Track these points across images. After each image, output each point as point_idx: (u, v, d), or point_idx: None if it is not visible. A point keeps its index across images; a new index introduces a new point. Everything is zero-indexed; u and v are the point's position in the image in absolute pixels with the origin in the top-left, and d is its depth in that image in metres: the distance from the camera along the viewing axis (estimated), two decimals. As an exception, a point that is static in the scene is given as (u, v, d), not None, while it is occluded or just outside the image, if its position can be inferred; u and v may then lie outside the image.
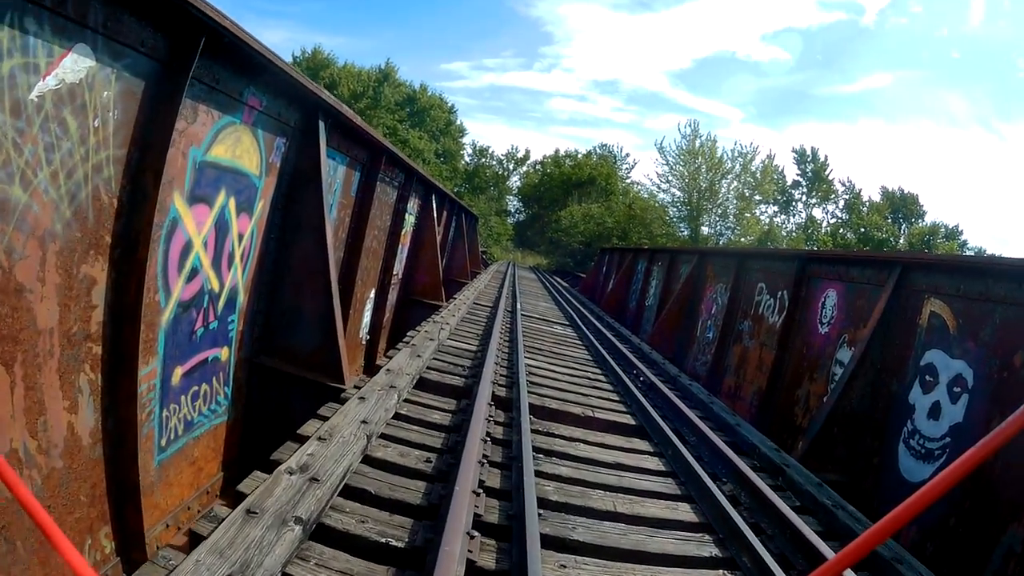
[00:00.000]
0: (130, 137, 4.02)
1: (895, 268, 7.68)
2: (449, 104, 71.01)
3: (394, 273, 12.27)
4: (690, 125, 53.41)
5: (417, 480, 4.20)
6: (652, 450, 6.16)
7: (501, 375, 7.62)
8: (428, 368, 7.21)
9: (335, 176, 7.90)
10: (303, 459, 3.69)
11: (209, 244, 5.19)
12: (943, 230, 53.87)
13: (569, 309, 17.38)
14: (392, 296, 12.73)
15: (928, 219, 55.44)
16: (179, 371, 5.10)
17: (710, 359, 12.43)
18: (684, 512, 4.73)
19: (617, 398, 7.98)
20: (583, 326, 13.82)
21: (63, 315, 3.78)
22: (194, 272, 5.04)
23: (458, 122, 71.59)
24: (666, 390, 8.23)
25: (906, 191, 56.02)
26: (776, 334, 10.16)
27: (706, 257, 14.71)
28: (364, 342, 11.17)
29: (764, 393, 10.00)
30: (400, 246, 12.28)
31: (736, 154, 50.69)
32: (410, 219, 12.88)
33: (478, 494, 3.97)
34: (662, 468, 5.66)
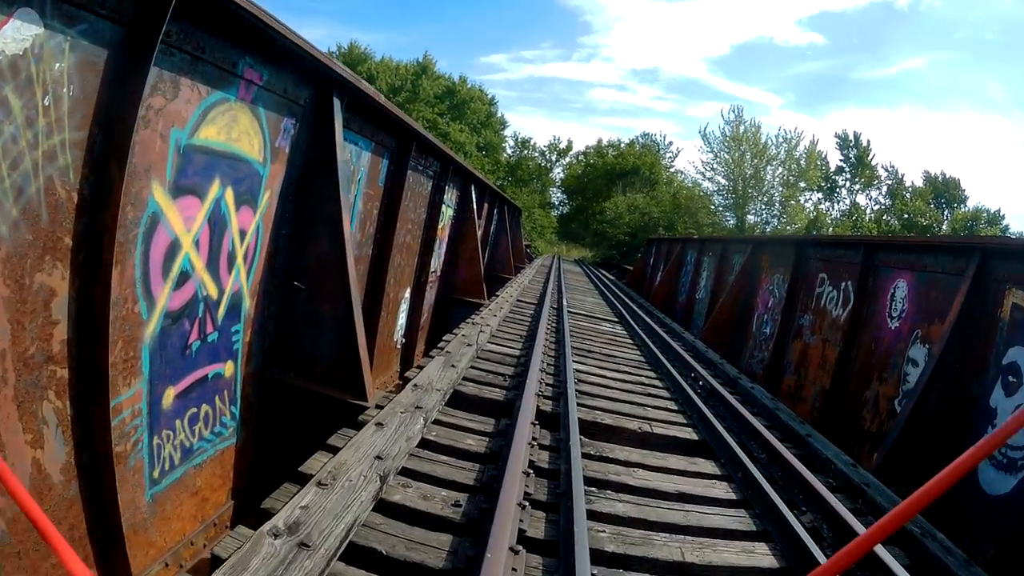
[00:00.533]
0: (90, 117, 3.30)
1: (974, 255, 6.82)
2: (489, 96, 70.30)
3: (431, 270, 11.56)
4: (734, 111, 51.75)
5: (442, 533, 3.41)
6: (719, 472, 5.31)
7: (547, 384, 6.83)
8: (464, 380, 6.41)
9: (358, 163, 7.17)
10: (294, 514, 2.91)
11: (202, 243, 4.45)
12: (985, 215, 52.18)
13: (617, 304, 16.50)
14: (430, 295, 12.02)
15: (970, 204, 53.96)
16: (171, 392, 4.39)
17: (767, 356, 11.58)
18: (762, 555, 3.93)
19: (675, 407, 7.13)
20: (633, 322, 12.96)
21: (16, 334, 3.10)
22: (184, 276, 4.30)
23: (499, 114, 70.85)
24: (727, 395, 7.39)
25: (948, 176, 54.49)
26: (840, 329, 9.28)
27: (761, 246, 13.76)
28: (400, 345, 10.46)
29: (828, 393, 9.18)
30: (437, 241, 11.54)
31: (781, 140, 48.97)
32: (447, 212, 12.11)
33: (516, 552, 3.19)
34: (732, 496, 4.82)
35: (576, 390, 6.55)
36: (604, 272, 34.20)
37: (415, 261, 10.43)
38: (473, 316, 9.68)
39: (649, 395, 7.48)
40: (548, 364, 7.79)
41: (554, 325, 10.77)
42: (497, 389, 6.42)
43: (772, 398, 7.97)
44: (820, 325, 10.02)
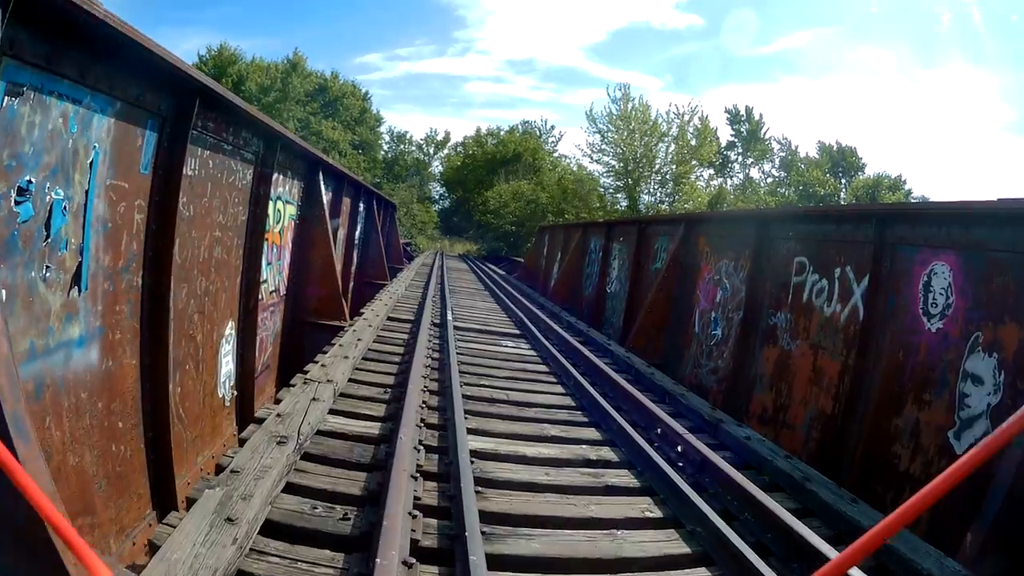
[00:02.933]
0: None
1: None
2: (363, 91, 67.09)
3: (270, 289, 8.58)
4: (620, 89, 49.70)
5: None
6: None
7: (424, 503, 3.90)
8: (260, 531, 3.34)
9: (84, 136, 4.12)
10: None
11: None
12: (887, 181, 52.96)
13: (514, 307, 13.73)
14: (271, 322, 8.99)
15: (869, 171, 54.99)
16: None
17: (723, 366, 9.03)
18: None
19: (650, 504, 4.39)
20: (539, 334, 10.25)
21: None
22: None
23: (374, 110, 67.74)
24: (722, 464, 4.74)
25: (843, 144, 55.63)
26: (841, 332, 6.80)
27: (696, 227, 11.14)
28: (229, 400, 7.43)
29: (829, 419, 6.69)
30: (271, 249, 8.54)
31: (672, 116, 47.38)
32: (286, 209, 9.09)
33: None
34: None
35: (480, 511, 3.67)
36: (492, 266, 31.49)
37: (236, 281, 7.40)
38: (313, 362, 6.69)
39: (602, 488, 4.67)
40: (426, 449, 4.79)
41: (436, 355, 8.01)
42: (331, 525, 3.51)
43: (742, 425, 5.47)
44: (805, 326, 7.47)
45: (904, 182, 53.33)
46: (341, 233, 13.51)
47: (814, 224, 8.10)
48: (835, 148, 55.37)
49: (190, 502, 3.37)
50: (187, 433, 6.13)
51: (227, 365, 7.38)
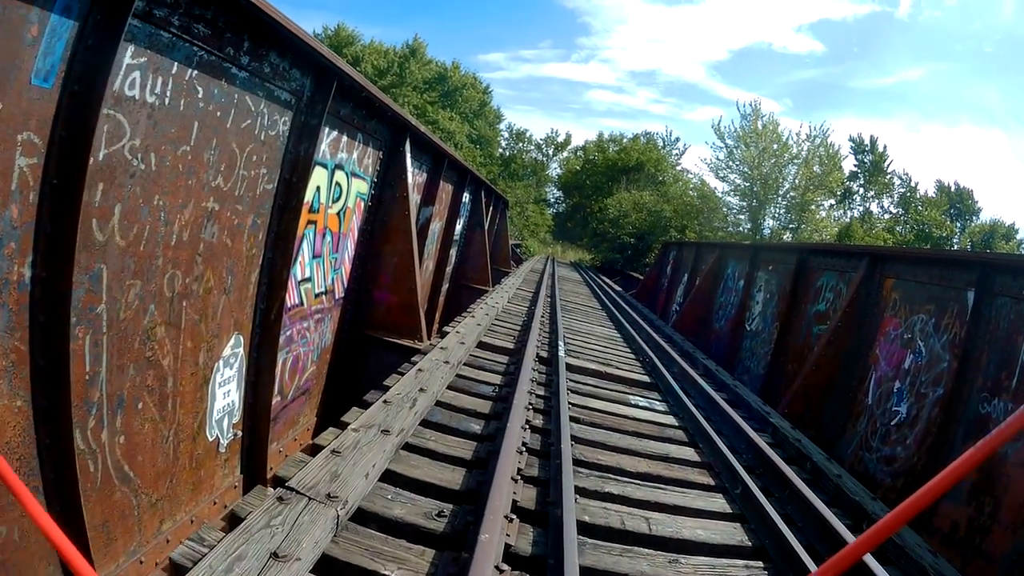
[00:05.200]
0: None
1: None
2: (484, 84, 65.27)
3: (314, 292, 6.22)
4: (751, 104, 46.17)
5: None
6: None
7: None
8: None
9: None
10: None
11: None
12: (1001, 228, 48.76)
13: (638, 338, 10.88)
14: (319, 333, 6.63)
15: (983, 216, 50.72)
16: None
17: (904, 456, 6.69)
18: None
19: None
20: (676, 386, 7.44)
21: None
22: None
23: (493, 105, 65.79)
24: None
25: (961, 186, 51.13)
26: None
27: (884, 265, 8.27)
28: (224, 446, 5.14)
29: None
30: (323, 235, 6.21)
31: (803, 137, 43.35)
32: (352, 185, 6.66)
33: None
34: None
35: None
36: (606, 280, 28.57)
37: (251, 278, 5.01)
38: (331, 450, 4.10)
39: None
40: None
41: (539, 424, 5.36)
42: None
43: None
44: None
45: (1016, 230, 49.21)
46: (436, 225, 11.04)
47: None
48: (953, 189, 51.00)
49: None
50: (138, 499, 4.04)
51: (226, 397, 5.02)
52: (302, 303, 6.13)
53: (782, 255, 11.87)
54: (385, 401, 4.41)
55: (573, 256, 50.99)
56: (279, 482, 3.10)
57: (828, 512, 4.10)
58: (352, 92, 5.91)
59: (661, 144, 64.41)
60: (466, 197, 13.84)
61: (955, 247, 46.00)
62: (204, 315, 4.45)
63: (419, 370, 5.48)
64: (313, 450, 3.66)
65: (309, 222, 5.86)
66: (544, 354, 7.82)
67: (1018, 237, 48.71)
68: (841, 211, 48.92)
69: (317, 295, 6.42)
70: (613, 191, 54.41)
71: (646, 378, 8.16)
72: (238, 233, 4.62)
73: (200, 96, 3.85)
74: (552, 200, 68.23)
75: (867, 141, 52.35)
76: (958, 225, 49.90)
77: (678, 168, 60.59)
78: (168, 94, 3.58)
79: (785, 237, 41.34)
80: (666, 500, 4.26)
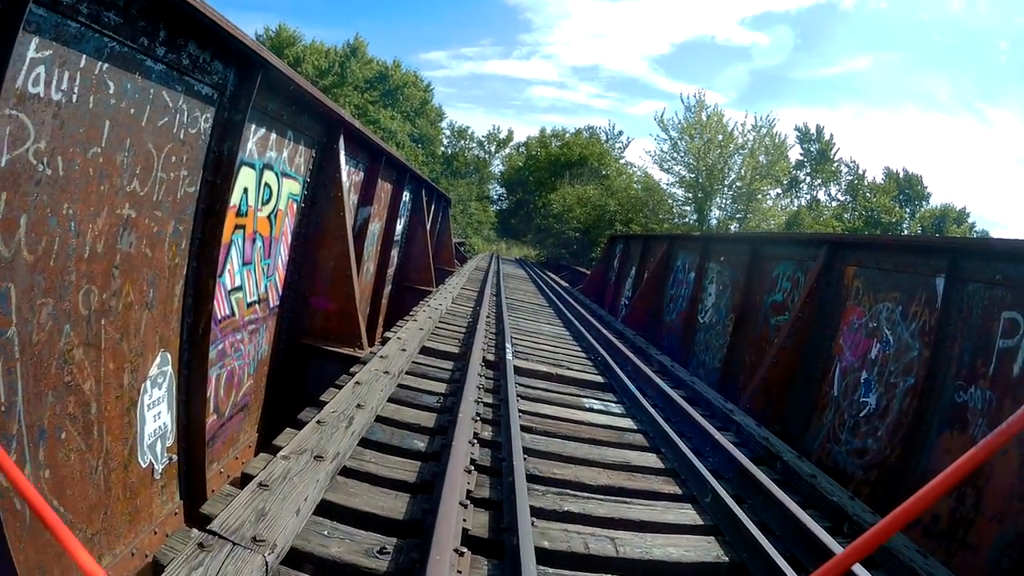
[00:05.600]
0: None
1: None
2: (425, 82, 64.77)
3: (245, 301, 5.86)
4: (695, 95, 46.37)
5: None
6: None
7: None
8: None
9: None
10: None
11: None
12: (952, 212, 51.10)
13: (589, 336, 10.67)
14: (253, 345, 6.26)
15: (932, 201, 53.19)
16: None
17: (875, 448, 6.55)
18: None
19: None
20: (632, 386, 7.22)
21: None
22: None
23: (435, 103, 65.50)
24: None
25: (910, 172, 53.41)
26: None
27: (844, 253, 8.14)
28: (160, 472, 4.77)
29: None
30: (254, 240, 5.84)
31: (749, 128, 43.64)
32: (284, 186, 6.30)
33: None
34: None
35: None
36: (552, 275, 28.35)
37: (175, 290, 4.64)
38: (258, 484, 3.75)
39: None
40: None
41: (488, 437, 5.04)
42: None
43: None
44: (1013, 412, 4.50)
45: (968, 214, 51.51)
46: (375, 226, 10.69)
47: None
48: (901, 175, 52.86)
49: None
50: (75, 532, 3.36)
51: (156, 420, 4.67)
52: (233, 314, 5.76)
53: (735, 245, 11.77)
54: (319, 421, 4.01)
55: (518, 252, 50.75)
56: (205, 521, 2.79)
57: (807, 517, 3.89)
58: (280, 86, 5.54)
59: (604, 138, 64.81)
60: (406, 196, 13.50)
61: (905, 232, 46.98)
62: (126, 333, 4.09)
63: (357, 383, 5.08)
64: (243, 481, 3.34)
65: (237, 227, 5.50)
66: (491, 357, 7.51)
67: (969, 221, 50.69)
68: (788, 200, 49.69)
69: (250, 304, 6.05)
70: (556, 186, 54.40)
71: (599, 378, 7.92)
72: (158, 242, 4.26)
73: (112, 92, 3.52)
74: (495, 197, 68.12)
75: (813, 130, 53.47)
76: (907, 211, 51.41)
77: (622, 162, 60.87)
78: (76, 90, 3.26)
79: (732, 227, 41.70)
80: (632, 515, 3.99)
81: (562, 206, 47.09)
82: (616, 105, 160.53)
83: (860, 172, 52.83)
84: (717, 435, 5.61)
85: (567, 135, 63.69)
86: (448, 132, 68.44)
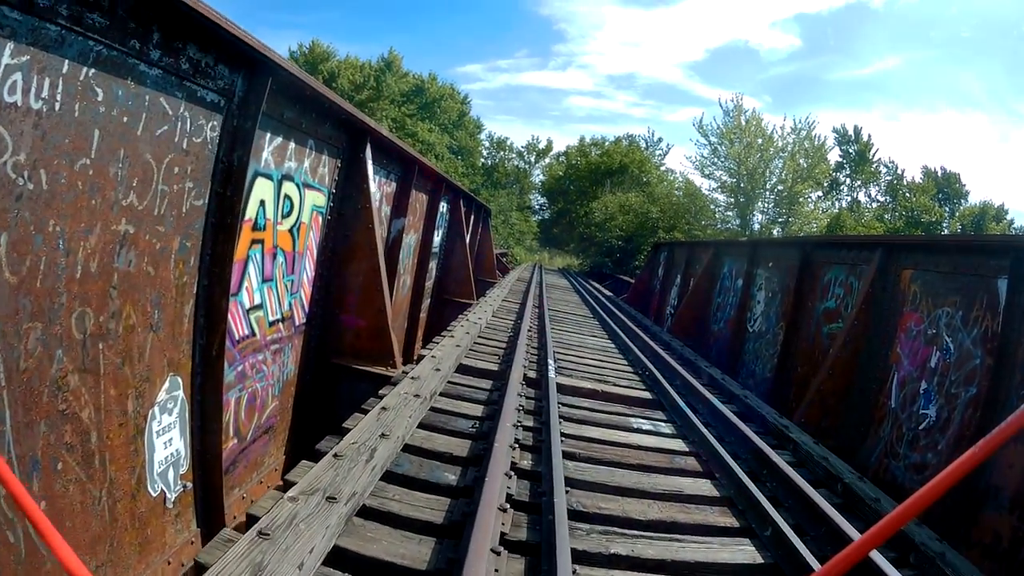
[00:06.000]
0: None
1: None
2: (462, 95, 64.73)
3: (268, 319, 5.58)
4: (733, 99, 45.71)
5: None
6: None
7: None
8: None
9: None
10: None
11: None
12: (991, 210, 49.61)
13: (635, 348, 10.21)
14: (279, 365, 5.97)
15: (972, 199, 51.76)
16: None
17: (936, 462, 5.98)
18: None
19: None
20: (682, 403, 6.75)
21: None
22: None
23: (473, 115, 65.36)
24: None
25: (948, 170, 51.95)
26: None
27: (900, 256, 7.63)
28: (171, 501, 4.49)
29: None
30: (275, 256, 5.53)
31: (788, 130, 42.79)
32: (306, 198, 5.99)
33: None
34: None
35: None
36: (596, 285, 27.89)
37: (183, 310, 4.36)
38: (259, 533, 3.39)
39: None
40: None
41: (528, 466, 4.62)
42: None
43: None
44: None
45: (1007, 211, 50.30)
46: (411, 238, 10.39)
47: None
48: (940, 174, 51.53)
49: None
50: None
51: (168, 447, 4.38)
52: (254, 333, 5.45)
53: (783, 250, 11.25)
54: (336, 455, 3.62)
55: (561, 262, 50.38)
56: (201, 569, 2.45)
57: (876, 554, 3.43)
58: (295, 91, 5.22)
59: (644, 145, 64.31)
60: (443, 207, 13.18)
61: (945, 231, 45.85)
62: (128, 357, 3.79)
63: (383, 408, 4.70)
64: (247, 523, 2.99)
65: (254, 241, 5.19)
66: (532, 374, 7.13)
67: (1008, 217, 49.50)
68: (829, 202, 48.71)
69: (272, 323, 5.74)
70: (598, 195, 53.95)
71: (647, 394, 7.47)
72: (162, 259, 3.95)
73: (100, 99, 3.22)
74: (536, 207, 67.80)
75: (851, 132, 52.45)
76: (947, 209, 50.23)
77: (662, 168, 60.29)
78: (59, 98, 2.96)
79: (775, 231, 40.96)
80: (685, 556, 3.55)
81: (604, 214, 46.56)
82: (653, 113, 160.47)
83: (899, 172, 51.90)
84: (774, 457, 5.15)
85: (606, 144, 63.18)
86: (487, 143, 68.34)
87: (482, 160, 65.87)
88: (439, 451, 4.53)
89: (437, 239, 12.94)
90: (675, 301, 17.53)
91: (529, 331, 10.15)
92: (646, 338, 11.31)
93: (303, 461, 3.82)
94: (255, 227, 5.16)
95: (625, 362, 9.57)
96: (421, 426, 4.91)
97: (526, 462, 4.60)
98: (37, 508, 1.15)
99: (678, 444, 5.73)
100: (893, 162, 53.08)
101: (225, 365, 4.90)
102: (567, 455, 4.74)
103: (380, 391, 5.37)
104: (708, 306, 14.30)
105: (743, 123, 43.23)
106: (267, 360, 5.81)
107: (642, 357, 9.33)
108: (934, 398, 6.42)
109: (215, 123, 4.31)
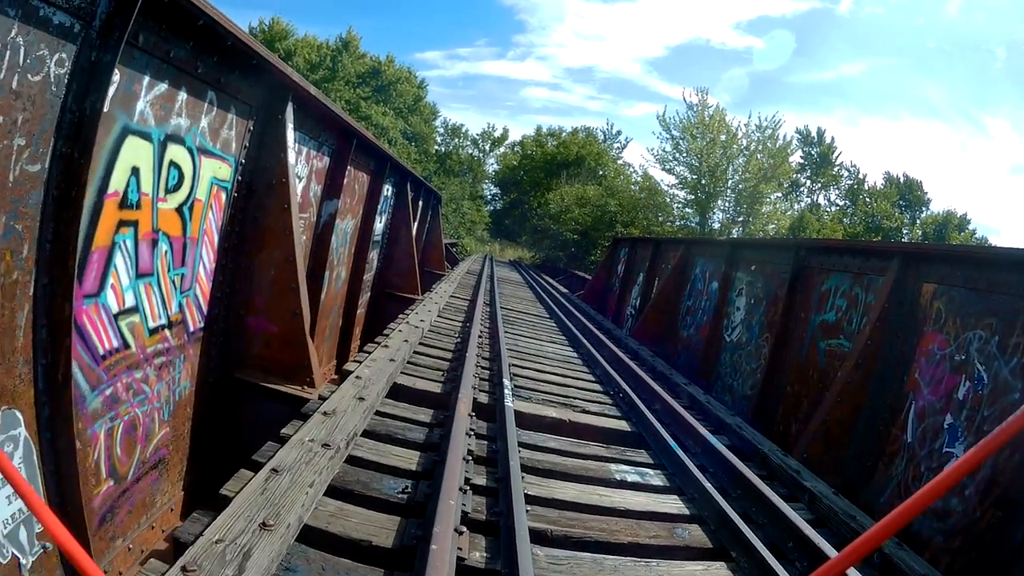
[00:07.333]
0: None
1: None
2: (419, 79, 63.23)
3: (147, 327, 4.25)
4: (698, 92, 44.66)
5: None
6: None
7: None
8: None
9: None
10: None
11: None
12: (954, 219, 49.85)
13: (600, 359, 8.97)
14: (166, 382, 4.60)
15: (933, 207, 52.26)
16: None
17: (962, 511, 5.07)
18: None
19: None
20: (667, 436, 5.49)
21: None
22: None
23: (429, 100, 63.92)
24: None
25: (910, 177, 52.43)
26: None
27: (920, 267, 6.52)
28: (26, 568, 3.18)
29: None
30: (158, 243, 4.17)
31: (753, 128, 42.02)
32: (203, 166, 4.62)
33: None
34: None
35: None
36: (549, 280, 26.69)
37: (14, 320, 2.99)
38: None
39: None
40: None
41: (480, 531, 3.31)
42: None
43: None
44: None
45: (969, 221, 50.44)
46: (347, 223, 8.99)
47: None
48: (902, 180, 51.95)
49: None
50: None
51: (11, 503, 3.14)
52: (127, 345, 4.07)
53: (771, 253, 10.07)
54: (185, 568, 2.30)
55: (512, 254, 49.23)
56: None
57: None
58: (188, 20, 3.82)
59: (602, 138, 63.41)
60: (388, 190, 11.77)
61: (905, 238, 45.93)
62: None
63: (273, 471, 3.18)
64: None
65: (123, 223, 3.78)
66: (484, 398, 5.76)
67: (970, 227, 49.83)
68: (788, 204, 48.35)
69: (153, 331, 4.36)
70: (553, 186, 53.03)
71: (624, 425, 6.13)
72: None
73: None
74: (489, 196, 66.73)
75: (814, 134, 52.52)
76: (907, 216, 50.59)
77: (620, 162, 59.45)
78: None
79: (734, 231, 40.22)
80: None
81: (560, 206, 45.42)
82: (610, 107, 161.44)
83: (860, 177, 52.17)
84: (805, 528, 3.90)
85: (563, 134, 62.22)
86: (442, 130, 66.92)
87: (436, 147, 64.44)
88: (353, 538, 3.06)
89: (379, 226, 11.52)
90: (637, 301, 16.40)
91: (480, 336, 8.82)
92: (611, 345, 10.07)
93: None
94: (124, 204, 3.77)
95: (592, 378, 8.26)
96: (331, 492, 3.43)
97: (477, 554, 3.17)
98: (42, 503, 0.99)
99: (675, 503, 4.39)
100: (855, 166, 53.67)
101: (86, 389, 3.59)
102: (536, 536, 3.39)
103: (283, 430, 3.92)
104: (676, 309, 13.14)
105: (706, 119, 42.34)
106: (149, 378, 4.44)
107: (610, 371, 8.07)
108: (961, 435, 5.38)
109: (63, 56, 2.95)
